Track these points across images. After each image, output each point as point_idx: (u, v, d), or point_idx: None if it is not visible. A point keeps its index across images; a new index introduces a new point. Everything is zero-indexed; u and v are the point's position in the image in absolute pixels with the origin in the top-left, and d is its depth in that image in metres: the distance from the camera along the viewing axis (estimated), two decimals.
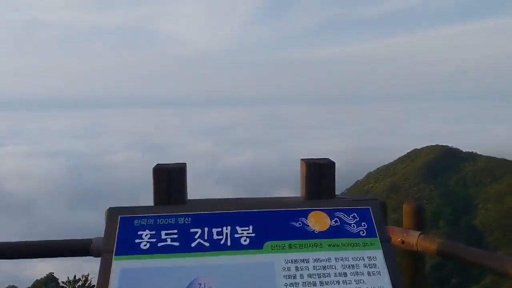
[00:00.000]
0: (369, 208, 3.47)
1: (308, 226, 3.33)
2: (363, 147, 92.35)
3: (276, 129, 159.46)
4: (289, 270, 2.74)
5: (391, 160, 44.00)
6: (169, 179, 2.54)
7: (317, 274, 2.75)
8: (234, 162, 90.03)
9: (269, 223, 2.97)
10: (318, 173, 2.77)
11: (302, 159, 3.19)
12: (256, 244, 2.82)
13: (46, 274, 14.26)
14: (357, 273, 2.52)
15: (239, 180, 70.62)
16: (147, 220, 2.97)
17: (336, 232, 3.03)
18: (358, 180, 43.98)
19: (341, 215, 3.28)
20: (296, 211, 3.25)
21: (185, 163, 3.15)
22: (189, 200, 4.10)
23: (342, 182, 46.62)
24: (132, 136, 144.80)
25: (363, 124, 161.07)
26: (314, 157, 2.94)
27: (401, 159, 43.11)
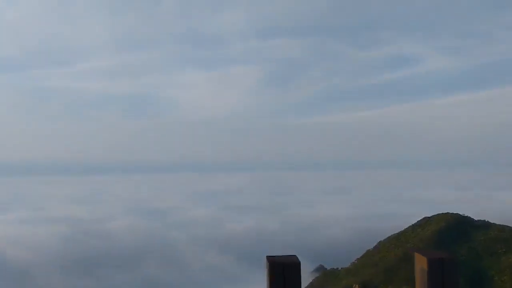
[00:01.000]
0: None
1: None
2: (370, 214, 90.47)
3: (279, 195, 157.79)
4: None
5: (401, 229, 42.51)
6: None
7: None
8: (236, 228, 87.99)
9: None
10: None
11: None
12: None
13: None
14: None
15: (242, 249, 68.39)
16: None
17: None
18: (369, 250, 42.25)
19: None
20: None
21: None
22: None
23: (352, 252, 44.87)
24: (133, 202, 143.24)
25: (370, 190, 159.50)
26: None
27: (412, 227, 41.65)
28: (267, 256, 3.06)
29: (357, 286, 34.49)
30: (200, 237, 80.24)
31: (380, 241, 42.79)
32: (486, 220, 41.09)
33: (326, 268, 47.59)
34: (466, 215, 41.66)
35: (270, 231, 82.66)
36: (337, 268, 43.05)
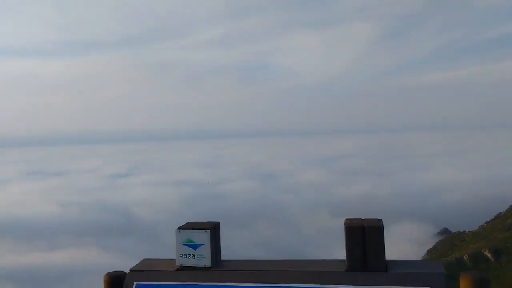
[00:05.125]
0: None
1: None
2: (497, 177, 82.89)
3: (392, 159, 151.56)
4: None
5: None
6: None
7: None
8: (346, 193, 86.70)
9: None
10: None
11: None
12: None
13: None
14: None
15: (352, 213, 67.26)
16: None
17: None
18: (500, 213, 38.70)
19: None
20: None
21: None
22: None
23: (479, 215, 41.64)
24: (248, 165, 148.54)
25: (492, 152, 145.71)
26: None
27: None
28: (346, 219, 2.87)
29: (487, 250, 31.76)
30: (311, 201, 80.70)
31: None
32: None
33: (451, 232, 44.68)
34: None
35: (383, 195, 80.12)
36: (464, 231, 40.21)
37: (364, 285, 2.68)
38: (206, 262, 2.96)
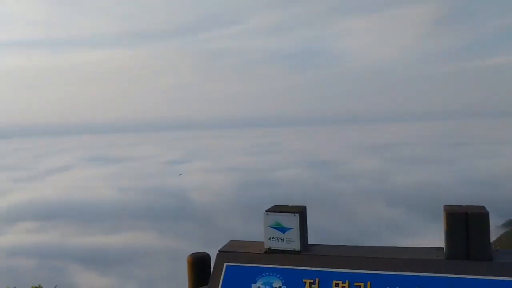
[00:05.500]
0: None
1: None
2: None
3: (454, 146, 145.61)
4: None
5: None
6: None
7: None
8: (404, 181, 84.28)
9: None
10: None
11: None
12: None
13: None
14: None
15: (412, 201, 65.39)
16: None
17: None
18: None
19: None
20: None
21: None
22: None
23: None
24: (300, 153, 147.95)
25: None
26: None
27: None
28: (444, 205, 2.73)
29: None
30: (367, 189, 79.14)
31: None
32: None
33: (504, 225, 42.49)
34: None
35: (445, 183, 77.14)
36: None
37: (468, 274, 2.53)
38: (296, 245, 2.92)
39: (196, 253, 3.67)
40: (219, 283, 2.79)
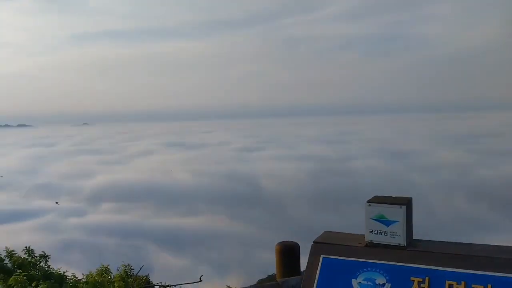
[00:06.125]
0: None
1: None
2: None
3: None
4: None
5: None
6: None
7: None
8: (489, 175, 79.09)
9: None
10: None
11: None
12: None
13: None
14: None
15: (496, 196, 61.23)
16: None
17: None
18: None
19: None
20: None
21: None
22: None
23: None
24: (377, 142, 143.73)
25: None
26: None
27: None
28: None
29: None
30: (447, 182, 75.29)
31: None
32: None
33: None
34: None
35: None
36: None
37: None
38: (401, 240, 2.65)
39: (284, 241, 3.54)
40: (315, 276, 2.59)
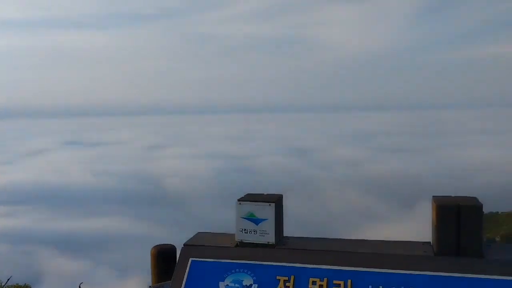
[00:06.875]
0: None
1: None
2: None
3: (429, 135, 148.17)
4: None
5: None
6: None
7: None
8: (379, 170, 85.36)
9: None
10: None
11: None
12: None
13: None
14: None
15: (387, 190, 66.27)
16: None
17: None
18: None
19: None
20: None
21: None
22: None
23: None
24: (280, 140, 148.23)
25: None
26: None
27: None
28: (433, 196, 2.56)
29: None
30: (343, 177, 79.86)
31: None
32: None
33: (483, 212, 43.57)
34: None
35: (418, 173, 78.44)
36: (497, 212, 39.04)
37: (458, 272, 2.30)
38: (270, 238, 2.63)
39: (160, 245, 3.38)
40: (182, 281, 2.48)
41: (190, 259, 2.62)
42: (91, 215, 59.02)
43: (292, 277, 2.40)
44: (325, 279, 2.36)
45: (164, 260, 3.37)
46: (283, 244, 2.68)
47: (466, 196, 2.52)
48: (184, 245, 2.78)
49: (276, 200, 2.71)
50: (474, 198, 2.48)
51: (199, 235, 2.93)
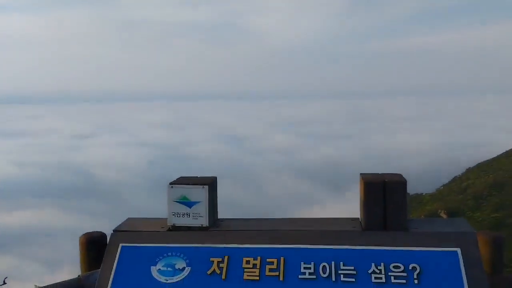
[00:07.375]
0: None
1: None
2: (459, 142, 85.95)
3: (359, 123, 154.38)
4: None
5: (494, 155, 39.58)
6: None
7: None
8: (313, 156, 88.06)
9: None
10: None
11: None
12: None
13: None
14: None
15: (318, 175, 68.50)
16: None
17: None
18: (456, 176, 39.94)
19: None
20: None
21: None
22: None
23: (437, 178, 42.95)
24: (215, 128, 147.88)
25: (458, 117, 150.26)
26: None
27: (507, 154, 38.33)
28: (361, 173, 2.64)
29: (443, 211, 32.95)
30: (278, 164, 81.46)
31: (469, 168, 40.33)
32: None
33: (408, 193, 46.24)
34: None
35: (349, 159, 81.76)
36: (421, 193, 41.57)
37: (385, 245, 2.41)
38: (203, 221, 2.61)
39: (89, 232, 3.25)
40: (112, 267, 2.40)
41: (120, 245, 2.54)
42: (15, 209, 56.06)
43: (226, 258, 2.40)
44: (259, 257, 2.38)
45: (94, 248, 3.26)
46: (216, 226, 2.67)
47: (391, 173, 2.64)
48: (113, 231, 2.69)
49: (210, 183, 2.69)
50: (399, 175, 2.61)
51: (129, 220, 2.85)
